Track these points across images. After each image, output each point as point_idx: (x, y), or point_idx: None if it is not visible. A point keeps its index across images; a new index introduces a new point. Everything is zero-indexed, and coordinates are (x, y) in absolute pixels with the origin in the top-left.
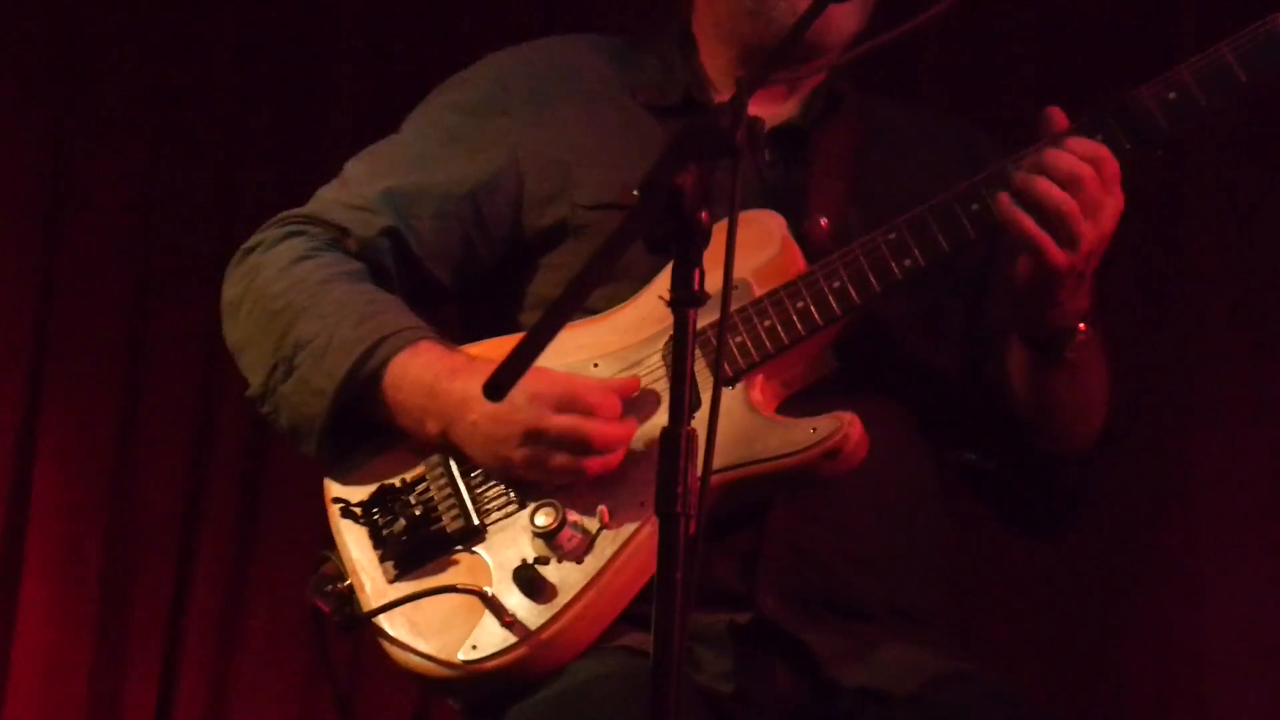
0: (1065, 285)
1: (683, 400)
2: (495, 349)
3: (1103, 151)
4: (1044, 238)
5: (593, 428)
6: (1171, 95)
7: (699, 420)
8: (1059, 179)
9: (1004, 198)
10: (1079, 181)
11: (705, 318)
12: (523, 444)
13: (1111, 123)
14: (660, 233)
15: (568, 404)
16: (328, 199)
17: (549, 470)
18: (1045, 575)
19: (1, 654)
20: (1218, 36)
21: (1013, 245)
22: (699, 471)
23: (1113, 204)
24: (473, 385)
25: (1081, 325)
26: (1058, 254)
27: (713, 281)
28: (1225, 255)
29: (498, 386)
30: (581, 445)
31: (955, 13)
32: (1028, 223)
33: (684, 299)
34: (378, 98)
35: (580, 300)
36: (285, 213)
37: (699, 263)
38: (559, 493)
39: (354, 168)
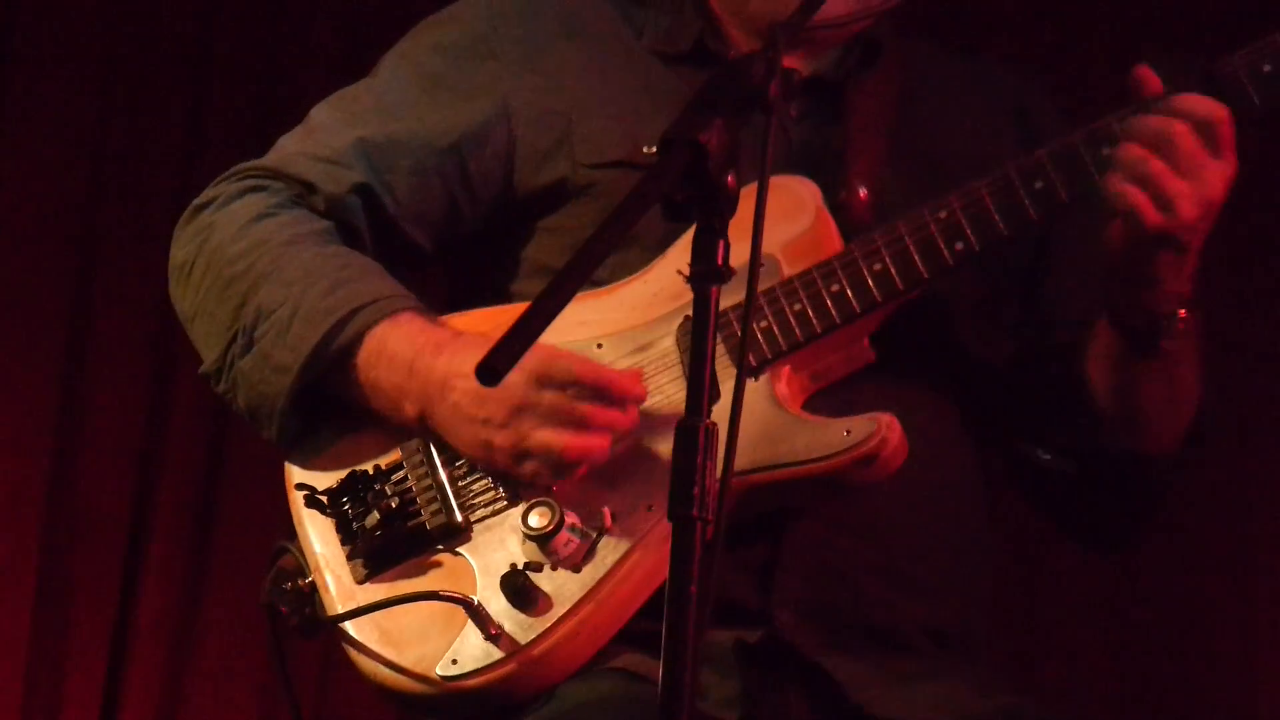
0: (1165, 258)
1: (701, 389)
2: (485, 321)
3: (1212, 109)
4: (1139, 199)
5: (589, 406)
6: (1267, 68)
7: (718, 414)
8: (1147, 140)
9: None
10: (1170, 141)
11: (726, 298)
12: (507, 424)
13: (1198, 92)
14: (681, 197)
15: (565, 381)
16: (291, 150)
17: (531, 452)
18: (1111, 594)
19: None
20: None
21: (1104, 211)
22: (717, 471)
23: (1220, 167)
24: (458, 362)
25: (1182, 312)
26: (1154, 216)
27: (736, 255)
28: None
29: (493, 369)
30: (576, 424)
31: None
32: (1117, 183)
33: (706, 274)
34: (356, 32)
35: (588, 272)
36: (242, 165)
37: (724, 233)
38: (554, 491)
39: (321, 114)
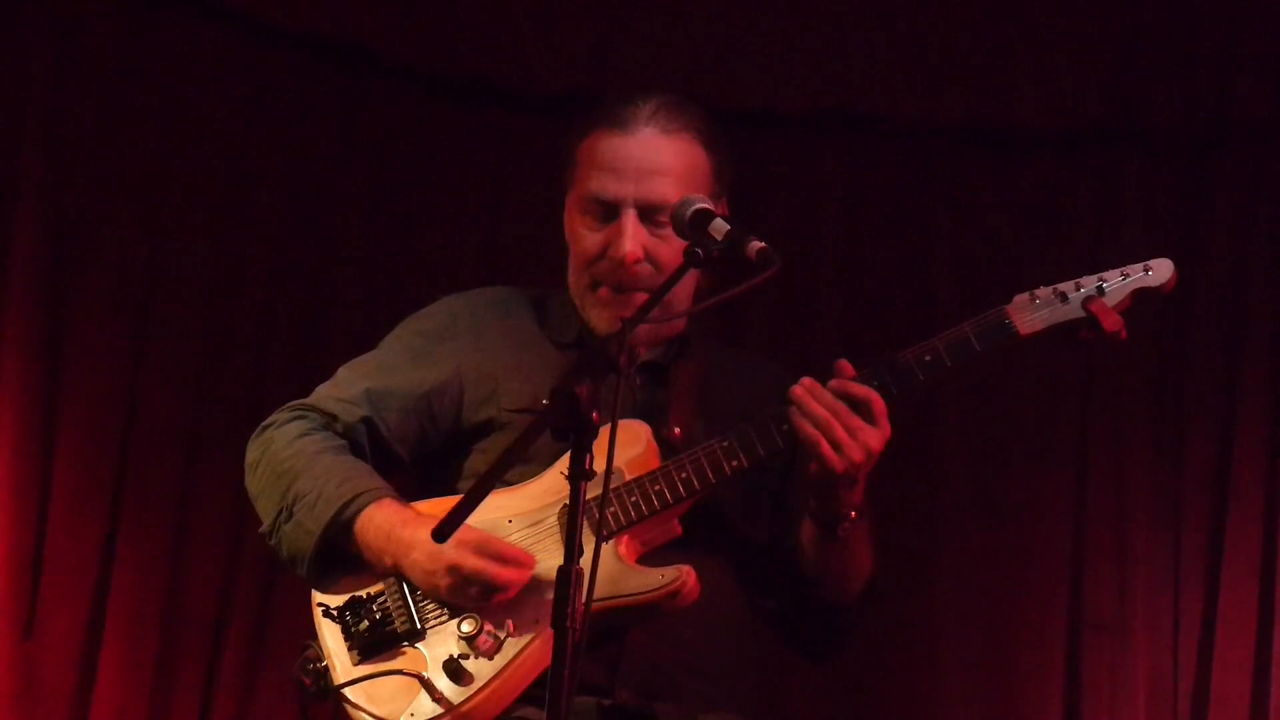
0: (841, 482)
1: (573, 549)
2: (437, 507)
3: (868, 395)
4: (823, 445)
5: (497, 571)
6: (928, 358)
7: (585, 564)
8: (829, 408)
9: (795, 416)
10: (841, 412)
11: (590, 491)
12: (447, 576)
13: (885, 373)
14: (563, 426)
15: (483, 550)
16: (323, 394)
17: (465, 597)
18: (826, 681)
19: (86, 698)
20: (964, 313)
21: (806, 454)
22: (583, 599)
23: (878, 432)
24: (419, 533)
25: (853, 514)
26: (831, 458)
27: (598, 465)
28: (966, 444)
29: (443, 534)
30: (488, 582)
31: (775, 285)
32: (811, 431)
33: (578, 475)
34: (366, 324)
35: (502, 474)
36: (292, 402)
37: (589, 449)
38: (478, 609)
39: (343, 372)
